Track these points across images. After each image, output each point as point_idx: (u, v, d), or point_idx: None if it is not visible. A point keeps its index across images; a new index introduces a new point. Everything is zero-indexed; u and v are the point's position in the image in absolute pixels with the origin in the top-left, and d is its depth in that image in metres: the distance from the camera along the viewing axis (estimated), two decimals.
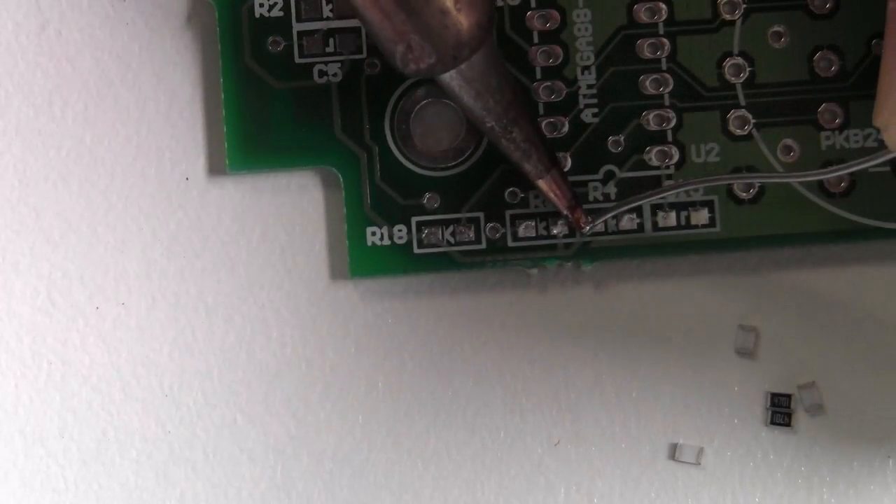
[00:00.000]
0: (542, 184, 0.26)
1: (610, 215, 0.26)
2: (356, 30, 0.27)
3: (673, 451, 0.27)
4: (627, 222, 0.27)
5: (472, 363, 0.27)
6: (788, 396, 0.27)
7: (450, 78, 0.24)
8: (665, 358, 0.27)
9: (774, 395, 0.27)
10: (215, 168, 0.27)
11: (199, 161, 0.28)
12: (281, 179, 0.27)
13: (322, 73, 0.27)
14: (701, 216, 0.27)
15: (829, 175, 0.26)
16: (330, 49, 0.27)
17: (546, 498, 0.27)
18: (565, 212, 0.26)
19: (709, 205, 0.27)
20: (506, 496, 0.27)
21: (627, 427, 0.27)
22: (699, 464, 0.27)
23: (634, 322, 0.28)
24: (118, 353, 0.27)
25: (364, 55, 0.27)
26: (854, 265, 0.28)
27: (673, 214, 0.27)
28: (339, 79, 0.27)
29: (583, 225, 0.26)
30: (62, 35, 0.27)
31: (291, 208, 0.28)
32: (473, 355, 0.27)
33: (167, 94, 0.27)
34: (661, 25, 0.27)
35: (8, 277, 0.27)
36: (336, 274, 0.27)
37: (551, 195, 0.26)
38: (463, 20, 0.23)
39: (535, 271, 0.27)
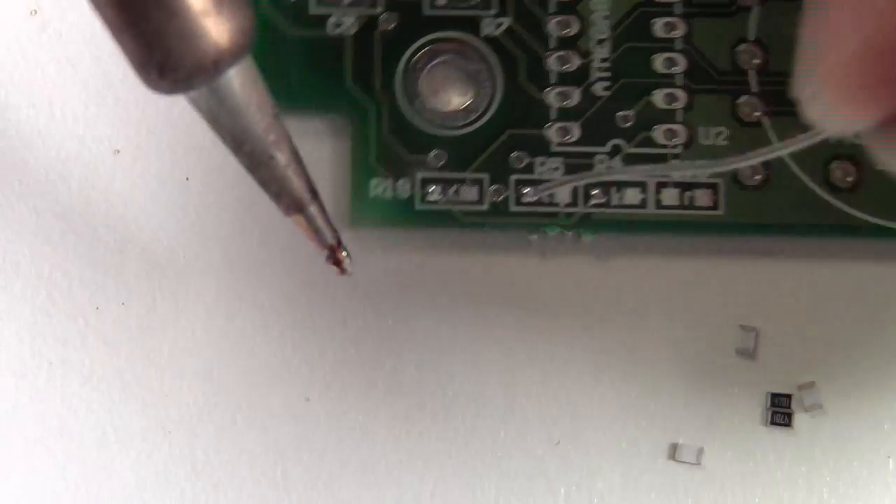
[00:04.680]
0: (301, 219, 0.23)
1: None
2: None
3: (673, 451, 0.27)
4: (631, 196, 0.27)
5: (472, 363, 0.27)
6: (788, 396, 0.27)
7: (207, 93, 0.21)
8: (665, 357, 0.27)
9: (774, 395, 0.27)
10: (216, 167, 0.27)
11: (200, 161, 0.28)
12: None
13: (336, 25, 0.27)
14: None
15: (739, 164, 0.23)
16: (346, 1, 0.27)
17: (546, 498, 0.27)
18: (326, 250, 0.24)
19: (713, 187, 0.27)
20: (506, 496, 0.27)
21: (627, 427, 0.27)
22: (699, 464, 0.27)
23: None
24: (118, 353, 0.27)
25: (380, 10, 0.27)
26: (856, 264, 0.27)
27: (677, 192, 0.27)
28: (353, 31, 0.27)
29: (345, 268, 0.24)
30: (62, 35, 0.27)
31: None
32: (472, 353, 0.27)
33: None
34: (678, 6, 0.27)
35: (8, 277, 0.27)
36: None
37: (311, 231, 0.23)
38: (224, 24, 0.20)
39: (535, 237, 0.27)
